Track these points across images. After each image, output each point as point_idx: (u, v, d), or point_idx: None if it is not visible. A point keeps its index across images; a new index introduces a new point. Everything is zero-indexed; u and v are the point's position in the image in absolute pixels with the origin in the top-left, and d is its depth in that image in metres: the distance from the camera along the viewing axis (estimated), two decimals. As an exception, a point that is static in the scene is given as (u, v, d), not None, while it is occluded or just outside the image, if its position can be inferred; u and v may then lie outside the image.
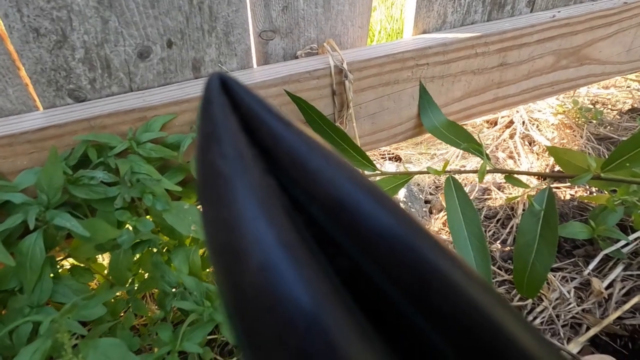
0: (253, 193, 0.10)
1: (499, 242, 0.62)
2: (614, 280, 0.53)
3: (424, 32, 0.60)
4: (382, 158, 0.87)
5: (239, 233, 0.09)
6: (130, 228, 0.39)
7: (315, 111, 0.50)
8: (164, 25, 0.45)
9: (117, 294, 0.48)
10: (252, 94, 0.12)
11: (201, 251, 0.45)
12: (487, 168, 0.53)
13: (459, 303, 0.09)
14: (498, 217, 0.66)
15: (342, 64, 0.50)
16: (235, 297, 0.09)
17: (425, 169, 0.55)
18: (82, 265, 0.45)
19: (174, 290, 0.40)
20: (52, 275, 0.40)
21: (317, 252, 0.10)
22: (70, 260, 0.47)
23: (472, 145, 0.55)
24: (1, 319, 0.38)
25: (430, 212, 0.71)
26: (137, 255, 0.46)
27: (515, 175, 0.53)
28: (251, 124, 0.11)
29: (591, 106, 0.86)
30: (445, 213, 0.69)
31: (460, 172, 0.58)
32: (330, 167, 0.10)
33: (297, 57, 0.54)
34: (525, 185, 0.51)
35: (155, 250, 0.42)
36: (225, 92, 0.12)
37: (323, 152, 0.11)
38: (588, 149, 0.77)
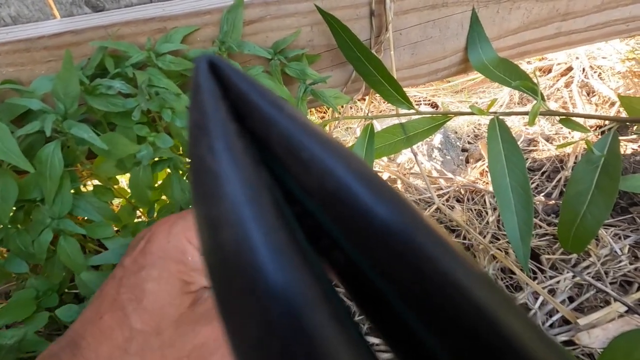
0: (241, 190, 0.09)
1: (542, 194, 0.56)
2: (673, 242, 0.47)
3: (482, -53, 0.51)
4: (417, 103, 0.81)
5: (226, 233, 0.09)
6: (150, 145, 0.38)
7: (349, 34, 0.45)
8: None
9: (139, 217, 0.47)
10: (243, 77, 0.11)
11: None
12: (541, 110, 0.47)
13: (458, 304, 0.09)
14: (544, 169, 0.60)
15: (384, -23, 0.44)
16: (223, 299, 0.09)
17: (467, 110, 0.49)
18: (103, 185, 0.44)
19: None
20: (73, 191, 0.40)
21: (308, 249, 0.10)
22: (94, 182, 0.47)
23: (524, 83, 0.48)
24: (27, 228, 0.39)
25: (467, 162, 0.65)
26: (159, 179, 0.45)
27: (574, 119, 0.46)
28: (242, 110, 0.11)
29: (668, 53, 0.74)
30: (483, 163, 0.64)
31: (507, 113, 0.52)
32: (326, 156, 0.10)
33: (332, -27, 0.48)
34: (585, 129, 0.44)
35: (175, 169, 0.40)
36: (215, 75, 0.11)
37: (319, 139, 0.10)
38: (659, 101, 0.67)
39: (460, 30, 0.53)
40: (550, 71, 0.82)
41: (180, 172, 0.42)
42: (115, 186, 0.46)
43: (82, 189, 0.48)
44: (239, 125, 0.11)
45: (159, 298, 0.25)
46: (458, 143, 0.67)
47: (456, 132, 0.71)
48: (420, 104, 0.83)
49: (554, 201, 0.55)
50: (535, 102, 0.46)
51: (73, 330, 0.25)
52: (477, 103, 0.81)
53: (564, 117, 0.46)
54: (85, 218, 0.45)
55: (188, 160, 0.44)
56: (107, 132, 0.41)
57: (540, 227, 0.51)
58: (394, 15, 0.48)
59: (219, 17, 0.41)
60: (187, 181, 0.41)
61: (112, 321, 0.24)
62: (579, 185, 0.42)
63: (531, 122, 0.46)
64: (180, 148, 0.43)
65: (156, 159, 0.41)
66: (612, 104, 0.70)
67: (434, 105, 0.82)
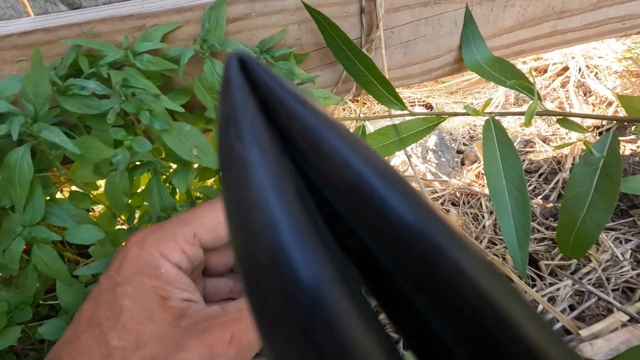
0: (268, 177, 0.10)
1: (540, 197, 0.55)
2: (676, 246, 0.45)
3: (476, -57, 0.50)
4: (411, 105, 0.79)
5: (253, 215, 0.09)
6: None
7: (339, 32, 0.43)
8: None
9: (120, 224, 0.45)
10: (271, 73, 0.12)
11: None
12: (538, 110, 0.45)
13: (465, 291, 0.09)
14: (541, 171, 0.59)
15: (373, -28, 0.42)
16: (248, 274, 0.10)
17: (462, 111, 0.47)
18: (81, 191, 0.42)
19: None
20: (48, 197, 0.38)
21: (327, 234, 0.11)
22: (73, 188, 0.45)
23: (520, 82, 0.46)
24: (-3, 238, 0.36)
25: (462, 164, 0.64)
26: (143, 184, 0.43)
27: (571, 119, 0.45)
28: (269, 104, 0.11)
29: (665, 52, 0.73)
30: (479, 165, 0.62)
31: (503, 114, 0.50)
32: (344, 149, 0.10)
33: (321, -31, 0.46)
34: (583, 130, 0.43)
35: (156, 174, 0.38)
36: (245, 72, 0.12)
37: (339, 133, 0.11)
38: (657, 100, 0.66)
39: (453, 28, 0.51)
40: (546, 71, 0.81)
41: (163, 177, 0.40)
42: (95, 192, 0.44)
43: (59, 195, 0.45)
44: (266, 118, 0.11)
45: (136, 314, 0.25)
46: (453, 145, 0.65)
47: (451, 134, 0.69)
48: (415, 105, 0.81)
49: (552, 204, 0.54)
50: (531, 102, 0.44)
51: (53, 352, 0.25)
52: (472, 104, 0.79)
53: (561, 117, 0.44)
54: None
55: (173, 165, 0.42)
56: (84, 133, 0.39)
57: (539, 231, 0.49)
58: (385, 13, 0.46)
59: (201, 14, 0.39)
60: (167, 187, 0.39)
61: (90, 340, 0.24)
62: (578, 187, 0.40)
63: (527, 123, 0.44)
64: (163, 152, 0.41)
65: (137, 162, 0.39)
66: (610, 103, 0.69)
67: (429, 106, 0.81)
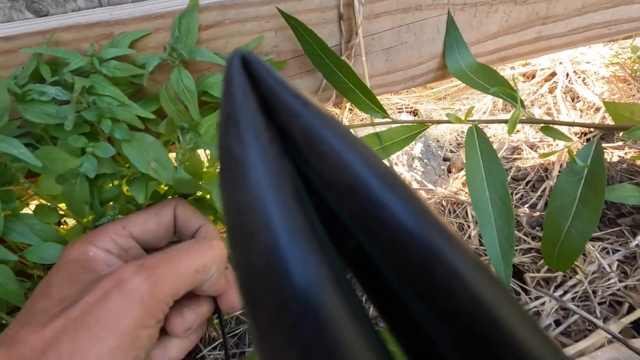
0: (266, 178, 0.10)
1: (527, 205, 0.53)
2: (664, 256, 0.44)
3: (457, -51, 0.49)
4: (398, 111, 0.78)
5: (250, 216, 0.10)
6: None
7: (316, 39, 0.42)
8: None
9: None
10: (272, 72, 0.12)
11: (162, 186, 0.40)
12: (521, 117, 0.44)
13: (462, 301, 0.09)
14: (528, 179, 0.58)
15: (351, -22, 0.41)
16: (243, 274, 0.10)
17: (444, 118, 0.46)
18: (48, 204, 0.40)
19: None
20: (9, 212, 0.36)
21: (324, 236, 0.11)
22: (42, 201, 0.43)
23: (503, 89, 0.46)
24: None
25: (449, 171, 0.62)
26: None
27: (555, 127, 0.44)
28: (270, 103, 0.11)
29: (653, 57, 0.72)
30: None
31: (486, 121, 0.49)
32: (343, 150, 0.10)
33: (299, -25, 0.45)
34: (567, 138, 0.42)
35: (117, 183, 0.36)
36: (246, 70, 0.12)
37: (338, 133, 0.11)
38: (645, 106, 0.65)
39: (436, 34, 0.50)
40: (534, 76, 0.80)
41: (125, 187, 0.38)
42: (62, 205, 0.42)
43: (27, 209, 0.44)
44: (266, 117, 0.11)
45: (61, 284, 0.28)
46: (439, 152, 0.64)
47: (438, 141, 0.68)
48: (403, 111, 0.80)
49: (539, 213, 0.52)
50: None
51: None
52: (460, 110, 0.78)
53: (545, 125, 0.43)
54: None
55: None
56: (50, 145, 0.37)
57: (525, 241, 0.48)
58: (365, 19, 0.45)
59: (172, 22, 0.38)
60: (127, 194, 0.38)
61: (21, 316, 0.26)
62: (563, 197, 0.39)
63: (511, 131, 0.43)
64: (128, 165, 0.39)
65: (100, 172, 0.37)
66: (597, 109, 0.68)
67: (416, 113, 0.80)
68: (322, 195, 0.11)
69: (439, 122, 0.49)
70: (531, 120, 0.44)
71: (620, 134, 0.42)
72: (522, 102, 0.44)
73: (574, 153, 0.39)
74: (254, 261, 0.09)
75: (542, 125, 0.44)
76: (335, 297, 0.09)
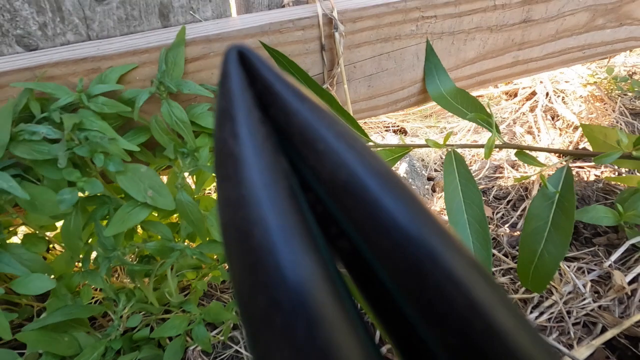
0: (260, 175, 0.10)
1: (507, 225, 0.55)
2: (639, 274, 0.46)
3: (435, -20, 0.51)
4: (385, 130, 0.80)
5: (243, 213, 0.09)
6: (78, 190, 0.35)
7: (296, 68, 0.43)
8: (122, -40, 0.38)
9: (77, 266, 0.44)
10: (270, 68, 0.11)
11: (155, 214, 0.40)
12: (497, 142, 0.46)
13: (455, 299, 0.09)
14: (509, 198, 0.59)
15: (331, 11, 0.43)
16: (236, 271, 0.09)
17: (424, 142, 0.48)
18: (36, 233, 0.41)
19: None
20: (-3, 242, 0.37)
21: (318, 235, 0.10)
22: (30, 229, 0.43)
23: (479, 116, 0.47)
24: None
25: (434, 190, 0.64)
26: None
27: (530, 153, 0.45)
28: (267, 99, 0.11)
29: (628, 77, 0.75)
30: (450, 192, 0.62)
31: (463, 146, 0.51)
32: (340, 148, 0.10)
33: (283, 6, 0.47)
34: (539, 164, 0.44)
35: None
36: (243, 65, 0.11)
37: (336, 131, 0.11)
38: (620, 124, 0.67)
39: (416, 61, 0.52)
40: (516, 95, 0.83)
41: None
42: (50, 233, 0.43)
43: (15, 237, 0.44)
44: (263, 113, 0.11)
45: None
46: (424, 172, 0.66)
47: (423, 160, 0.70)
48: (389, 129, 0.82)
49: (518, 232, 0.54)
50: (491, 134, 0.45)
51: None
52: (445, 128, 0.80)
53: (519, 150, 0.45)
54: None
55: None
56: (41, 178, 0.38)
57: (504, 262, 0.49)
58: (347, 49, 0.47)
59: (157, 56, 0.40)
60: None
61: None
62: (536, 221, 0.41)
63: (487, 156, 0.44)
64: (123, 194, 0.40)
65: (94, 207, 0.38)
66: (576, 128, 0.70)
67: (403, 131, 0.82)
68: (317, 193, 0.11)
69: (418, 146, 0.51)
70: (505, 146, 0.46)
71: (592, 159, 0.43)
72: (497, 128, 0.46)
73: (545, 179, 0.40)
74: (246, 259, 0.09)
75: (517, 150, 0.45)
76: (329, 298, 0.09)
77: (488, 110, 0.46)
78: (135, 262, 0.42)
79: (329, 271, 0.09)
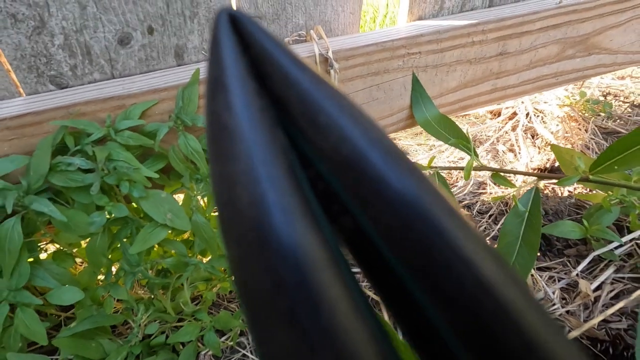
0: (257, 150, 0.09)
1: (489, 238, 0.60)
2: (603, 282, 0.51)
3: (420, 18, 0.57)
4: (378, 148, 0.86)
5: (239, 191, 0.09)
6: (106, 213, 0.40)
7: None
8: (144, 11, 0.44)
9: (100, 279, 0.49)
10: (266, 33, 0.10)
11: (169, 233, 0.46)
12: (475, 165, 0.52)
13: (465, 279, 0.08)
14: (491, 212, 0.65)
15: (327, 52, 0.49)
16: (234, 254, 0.09)
17: (419, 153, 0.53)
18: (64, 249, 0.46)
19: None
20: (32, 259, 0.42)
21: (320, 213, 0.10)
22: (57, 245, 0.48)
23: (460, 141, 0.53)
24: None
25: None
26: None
27: (505, 174, 0.51)
28: (263, 68, 0.10)
29: (602, 98, 0.82)
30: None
31: (446, 168, 0.56)
32: (343, 121, 0.10)
33: (284, 45, 0.53)
34: (512, 185, 0.49)
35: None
36: (236, 30, 0.10)
37: (338, 103, 0.10)
38: (592, 144, 0.73)
39: (403, 91, 0.58)
40: (500, 114, 0.89)
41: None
42: (75, 249, 0.48)
43: (44, 252, 0.49)
44: (259, 83, 0.10)
45: None
46: (413, 188, 0.71)
47: (412, 176, 0.75)
48: (382, 146, 0.88)
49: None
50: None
51: None
52: (434, 145, 0.86)
53: (495, 172, 0.51)
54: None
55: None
56: (70, 201, 0.43)
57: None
58: (341, 82, 0.52)
59: (175, 93, 0.45)
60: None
61: None
62: (508, 237, 0.46)
63: (466, 177, 0.50)
64: (142, 214, 0.46)
65: (118, 227, 0.43)
66: (553, 146, 0.76)
67: (395, 148, 0.87)
68: (318, 169, 0.10)
69: (407, 167, 0.56)
70: (483, 168, 0.52)
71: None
72: (475, 152, 0.52)
73: (517, 199, 0.46)
74: (244, 239, 0.09)
75: (493, 173, 0.51)
76: (332, 278, 0.08)
77: (468, 135, 0.52)
78: (153, 276, 0.47)
79: (332, 250, 0.09)
